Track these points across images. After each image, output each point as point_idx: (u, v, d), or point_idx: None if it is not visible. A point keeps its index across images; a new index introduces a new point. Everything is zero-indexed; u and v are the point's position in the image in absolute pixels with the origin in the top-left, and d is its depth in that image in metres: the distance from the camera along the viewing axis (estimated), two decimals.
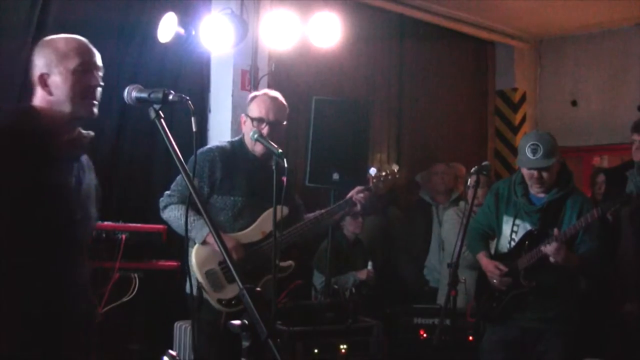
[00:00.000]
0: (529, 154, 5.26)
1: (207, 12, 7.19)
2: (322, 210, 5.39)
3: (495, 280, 5.42)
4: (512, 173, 7.07)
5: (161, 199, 5.14)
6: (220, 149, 5.16)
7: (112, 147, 7.11)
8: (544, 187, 5.34)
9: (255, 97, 5.25)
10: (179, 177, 5.04)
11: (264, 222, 5.09)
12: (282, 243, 4.92)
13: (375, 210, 8.21)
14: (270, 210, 4.77)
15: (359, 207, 5.34)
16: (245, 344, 2.56)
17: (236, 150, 5.19)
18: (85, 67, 3.44)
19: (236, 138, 5.37)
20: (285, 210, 4.92)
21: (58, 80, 3.38)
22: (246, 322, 2.54)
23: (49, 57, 3.44)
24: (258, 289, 2.57)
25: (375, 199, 5.54)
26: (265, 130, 5.05)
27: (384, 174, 5.42)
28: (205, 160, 5.06)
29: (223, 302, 4.93)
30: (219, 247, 2.76)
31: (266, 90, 5.35)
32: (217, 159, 5.08)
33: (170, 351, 2.95)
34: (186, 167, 2.83)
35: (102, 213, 5.75)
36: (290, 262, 5.20)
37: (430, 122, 10.44)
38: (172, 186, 5.12)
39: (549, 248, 5.08)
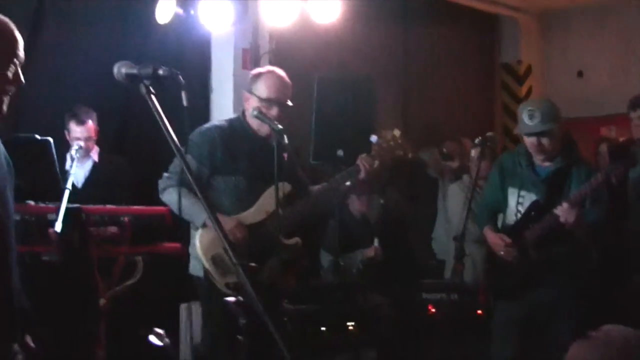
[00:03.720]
0: (526, 120, 5.21)
1: None
2: (330, 181, 5.26)
3: (502, 252, 5.36)
4: None
5: (160, 181, 5.04)
6: (219, 129, 5.05)
7: (117, 130, 7.11)
8: (546, 155, 5.27)
9: (260, 74, 5.09)
10: (176, 158, 4.97)
11: (267, 201, 4.94)
12: (287, 220, 4.86)
13: (376, 187, 8.14)
14: (272, 188, 4.71)
15: (362, 173, 5.12)
16: (242, 321, 2.52)
17: (236, 129, 5.08)
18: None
19: (234, 116, 5.30)
20: (288, 186, 4.84)
21: None
22: (241, 299, 2.49)
23: None
24: (252, 264, 2.50)
25: (381, 168, 5.40)
26: (274, 112, 4.92)
27: (386, 140, 5.29)
28: (205, 141, 4.95)
29: (231, 285, 4.85)
30: (215, 229, 2.69)
31: (271, 68, 5.18)
32: (217, 139, 4.95)
33: (157, 329, 2.90)
34: (179, 146, 2.76)
35: (106, 196, 5.80)
36: (296, 239, 5.06)
37: (436, 97, 10.38)
38: (170, 168, 5.01)
39: (559, 209, 5.01)
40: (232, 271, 4.78)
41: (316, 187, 5.26)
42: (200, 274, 4.92)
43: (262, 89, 5.00)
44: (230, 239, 4.77)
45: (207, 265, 4.83)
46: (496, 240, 5.39)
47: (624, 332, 2.35)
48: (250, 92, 5.04)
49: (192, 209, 4.76)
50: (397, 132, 5.30)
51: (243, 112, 5.14)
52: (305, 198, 5.12)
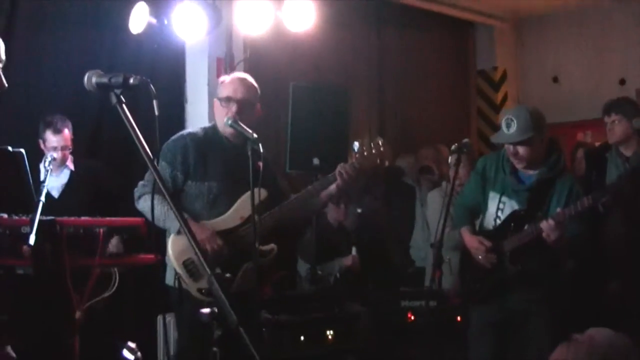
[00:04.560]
0: (504, 128, 5.21)
1: (179, 0, 7.08)
2: (307, 187, 5.24)
3: (480, 257, 5.33)
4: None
5: (135, 189, 5.06)
6: (191, 135, 5.09)
7: (90, 138, 7.06)
8: (523, 164, 5.26)
9: (223, 81, 5.19)
10: None
11: (242, 207, 4.95)
12: (263, 226, 4.84)
13: (353, 196, 8.12)
14: (248, 194, 4.69)
15: (340, 181, 5.09)
16: (217, 333, 2.48)
17: (209, 136, 5.10)
18: None
19: (209, 124, 5.30)
20: (264, 192, 4.79)
21: None
22: (216, 310, 2.45)
23: None
24: (227, 275, 2.47)
25: (360, 176, 5.35)
26: (233, 109, 4.95)
27: (367, 148, 5.25)
28: (177, 147, 4.99)
29: (203, 291, 4.83)
30: (187, 236, 2.66)
31: (235, 73, 5.28)
32: (189, 145, 4.99)
33: (130, 343, 2.86)
34: (149, 154, 2.73)
35: (80, 206, 5.74)
36: (272, 246, 5.06)
37: (412, 104, 10.37)
38: (146, 175, 5.02)
39: (545, 225, 4.98)
40: (205, 277, 4.79)
41: (294, 195, 5.24)
42: (172, 283, 4.92)
43: (222, 90, 5.09)
44: (205, 248, 4.76)
45: (179, 270, 4.83)
46: (474, 244, 5.36)
47: (609, 336, 2.33)
48: (218, 97, 5.11)
49: (167, 216, 4.79)
50: (380, 140, 5.26)
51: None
52: (282, 205, 5.09)
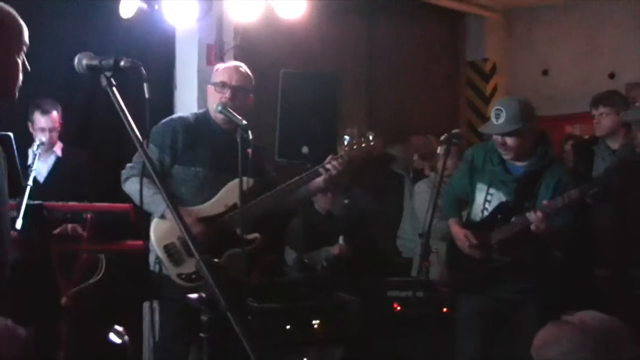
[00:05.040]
0: (493, 119, 5.21)
1: None
2: (294, 179, 5.23)
3: (466, 251, 5.34)
4: None
5: (123, 171, 5.06)
6: (182, 119, 5.10)
7: (80, 123, 7.04)
8: (511, 155, 5.26)
9: (219, 67, 5.21)
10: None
11: (227, 195, 4.96)
12: (249, 215, 4.81)
13: (341, 185, 8.11)
14: (234, 182, 4.75)
15: (332, 172, 5.08)
16: (204, 318, 2.46)
17: (200, 121, 5.11)
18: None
19: (201, 110, 5.29)
20: (250, 181, 4.77)
21: None
22: (204, 295, 2.43)
23: None
24: (216, 260, 2.46)
25: (348, 168, 5.36)
26: (227, 95, 4.96)
27: (357, 141, 5.25)
28: (167, 130, 5.00)
29: (183, 276, 4.83)
30: (176, 220, 2.64)
31: (231, 61, 5.31)
32: (179, 129, 5.00)
33: (117, 327, 2.85)
34: (139, 137, 2.71)
35: (63, 193, 5.71)
36: (256, 235, 5.03)
37: (401, 94, 10.39)
38: (134, 158, 5.01)
39: (533, 216, 4.99)
40: (186, 262, 4.79)
41: (281, 185, 5.23)
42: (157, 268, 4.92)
43: (217, 75, 5.10)
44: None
45: (160, 254, 4.84)
46: (461, 236, 5.37)
47: (600, 320, 2.33)
48: (211, 83, 5.12)
49: (152, 199, 4.77)
50: (370, 134, 5.25)
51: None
52: (269, 194, 5.08)
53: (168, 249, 4.84)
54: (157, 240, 4.85)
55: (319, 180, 5.13)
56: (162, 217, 4.83)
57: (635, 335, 2.38)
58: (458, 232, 5.41)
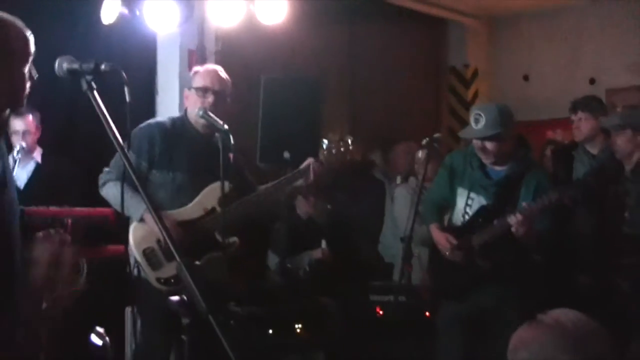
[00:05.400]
0: (472, 123, 5.25)
1: None
2: (273, 182, 5.25)
3: (447, 253, 5.35)
4: None
5: (100, 175, 5.05)
6: (158, 124, 5.10)
7: (61, 129, 7.02)
8: (491, 159, 5.29)
9: (198, 70, 5.19)
10: (118, 153, 4.89)
11: (206, 198, 4.98)
12: (228, 219, 4.85)
13: (322, 190, 8.13)
14: (212, 186, 4.81)
15: (311, 177, 5.16)
16: (185, 321, 2.47)
17: (177, 126, 5.10)
18: None
19: (177, 115, 5.29)
20: (229, 185, 4.83)
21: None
22: (185, 298, 2.44)
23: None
24: (197, 262, 2.46)
25: (328, 172, 5.39)
26: (210, 99, 4.97)
27: (336, 145, 5.29)
28: (144, 135, 4.98)
29: (162, 280, 4.83)
30: (156, 223, 2.65)
31: (208, 65, 5.30)
32: (156, 134, 4.99)
33: (98, 328, 2.85)
34: (120, 141, 2.72)
35: (43, 200, 5.69)
36: (234, 239, 5.05)
37: (383, 100, 10.39)
38: (111, 162, 5.01)
39: (513, 219, 5.01)
40: (165, 266, 4.79)
41: (262, 187, 5.24)
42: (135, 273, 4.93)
43: (197, 79, 5.09)
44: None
45: (138, 258, 4.83)
46: (442, 240, 5.38)
47: (574, 318, 2.33)
48: (189, 88, 5.12)
49: (130, 203, 4.69)
50: (349, 139, 5.29)
51: (186, 111, 5.16)
52: (250, 198, 5.09)
53: (146, 253, 4.83)
54: (135, 244, 4.85)
55: (298, 183, 5.15)
56: (141, 220, 4.81)
57: (614, 336, 2.38)
58: (439, 236, 5.42)
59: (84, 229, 5.40)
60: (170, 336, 4.64)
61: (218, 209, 4.91)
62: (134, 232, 4.87)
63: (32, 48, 3.07)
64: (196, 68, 5.29)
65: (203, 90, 5.01)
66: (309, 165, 5.18)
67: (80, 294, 5.44)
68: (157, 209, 2.81)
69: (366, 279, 7.34)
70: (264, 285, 6.48)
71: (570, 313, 2.35)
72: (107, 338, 4.36)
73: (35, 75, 3.07)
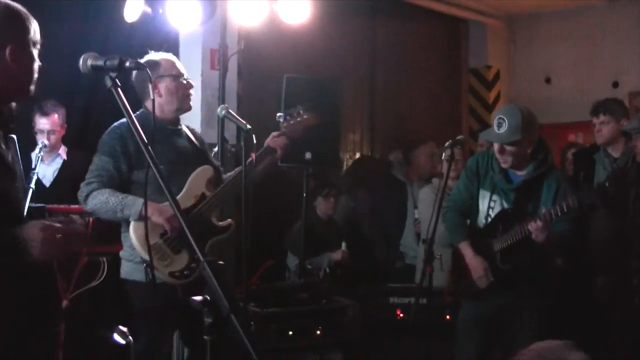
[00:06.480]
0: (495, 127, 5.20)
1: None
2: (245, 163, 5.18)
3: (478, 279, 5.33)
4: None
5: (79, 192, 4.92)
6: (123, 125, 4.88)
7: (80, 126, 7.02)
8: (509, 164, 5.26)
9: (157, 60, 5.08)
10: (96, 162, 4.89)
11: (194, 185, 4.96)
12: (218, 202, 4.98)
13: (343, 190, 8.14)
14: (196, 172, 4.90)
15: (279, 152, 5.25)
16: (208, 320, 2.45)
17: (142, 122, 5.00)
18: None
19: (137, 112, 5.15)
20: (210, 170, 4.99)
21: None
22: (207, 297, 2.42)
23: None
24: (221, 262, 2.44)
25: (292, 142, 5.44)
26: (189, 84, 5.05)
27: (292, 116, 5.39)
28: (113, 138, 4.88)
29: (176, 274, 4.76)
30: (176, 214, 2.64)
31: (161, 53, 5.23)
32: (126, 134, 4.83)
33: (121, 327, 2.84)
34: (144, 137, 2.72)
35: (71, 197, 5.69)
36: (229, 221, 5.07)
37: (403, 100, 10.38)
38: (88, 175, 4.91)
39: (533, 225, 4.97)
40: (173, 259, 4.75)
41: (232, 172, 5.27)
42: (132, 277, 4.91)
43: (168, 67, 5.07)
44: (169, 227, 4.74)
45: (146, 256, 4.70)
46: (478, 267, 5.35)
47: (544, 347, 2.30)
48: (160, 76, 4.99)
49: (124, 204, 4.73)
50: (300, 108, 5.37)
51: (153, 102, 4.70)
52: (229, 181, 5.11)
53: (153, 249, 4.74)
54: (140, 243, 4.73)
55: (267, 160, 5.22)
56: (139, 219, 4.73)
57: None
58: (473, 259, 5.38)
59: (105, 227, 5.42)
60: (171, 336, 4.61)
61: (207, 193, 4.93)
62: (135, 232, 4.76)
63: (38, 35, 3.09)
64: (150, 58, 5.13)
65: (178, 77, 5.02)
66: (270, 142, 5.27)
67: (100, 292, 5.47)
68: (173, 195, 2.80)
69: (387, 281, 7.32)
70: (282, 285, 6.46)
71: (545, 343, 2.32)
72: (130, 337, 4.36)
73: (39, 63, 3.08)
